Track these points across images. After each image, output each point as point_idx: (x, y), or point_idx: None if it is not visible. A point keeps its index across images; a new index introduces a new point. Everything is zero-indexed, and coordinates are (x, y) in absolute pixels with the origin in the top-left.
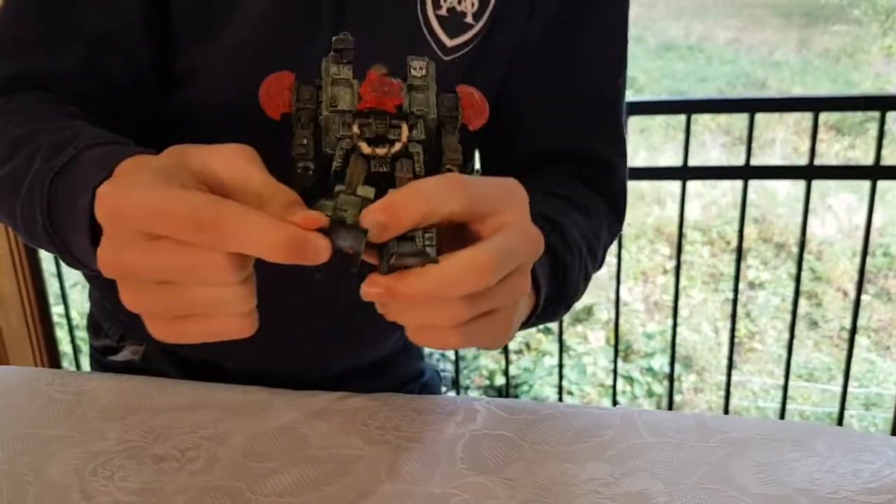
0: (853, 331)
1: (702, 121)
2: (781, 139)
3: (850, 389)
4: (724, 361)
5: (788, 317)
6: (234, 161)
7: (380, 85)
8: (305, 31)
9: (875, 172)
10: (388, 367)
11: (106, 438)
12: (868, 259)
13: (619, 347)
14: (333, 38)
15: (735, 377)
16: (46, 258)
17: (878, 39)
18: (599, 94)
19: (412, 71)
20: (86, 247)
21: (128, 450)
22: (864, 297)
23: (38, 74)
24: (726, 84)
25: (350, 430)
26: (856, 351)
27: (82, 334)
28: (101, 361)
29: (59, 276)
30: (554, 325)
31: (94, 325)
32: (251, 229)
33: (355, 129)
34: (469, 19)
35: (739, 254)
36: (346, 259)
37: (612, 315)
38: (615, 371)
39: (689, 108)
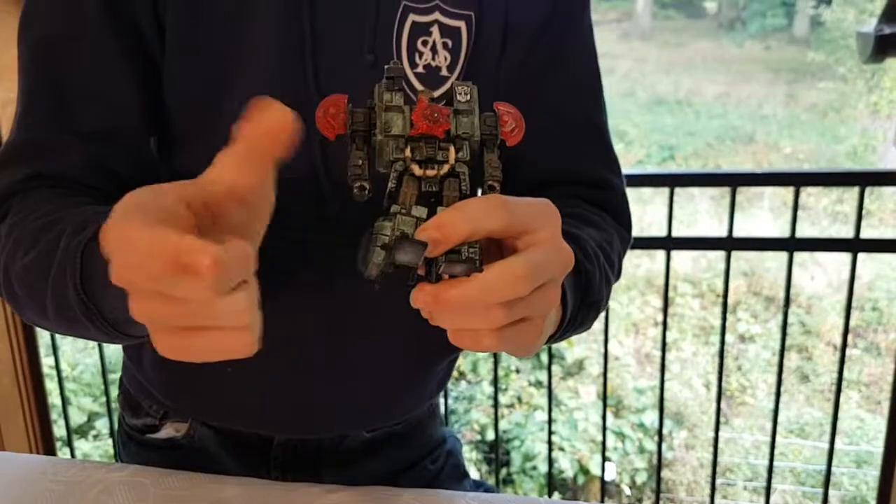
0: (838, 391)
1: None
2: (770, 193)
3: (840, 447)
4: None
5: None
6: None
7: (430, 112)
8: (294, 101)
9: (855, 245)
10: (417, 432)
11: None
12: (857, 313)
13: (610, 403)
14: (386, 66)
15: (726, 433)
16: (44, 331)
17: (863, 96)
18: (587, 122)
19: (458, 96)
20: (121, 304)
21: None
22: (854, 352)
23: (49, 175)
24: (714, 138)
25: None
26: (846, 407)
27: (72, 386)
28: (139, 440)
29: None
30: (545, 379)
31: (131, 404)
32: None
33: (407, 152)
34: (444, 72)
35: (724, 319)
36: (404, 272)
37: (602, 368)
38: (604, 428)
39: (673, 181)
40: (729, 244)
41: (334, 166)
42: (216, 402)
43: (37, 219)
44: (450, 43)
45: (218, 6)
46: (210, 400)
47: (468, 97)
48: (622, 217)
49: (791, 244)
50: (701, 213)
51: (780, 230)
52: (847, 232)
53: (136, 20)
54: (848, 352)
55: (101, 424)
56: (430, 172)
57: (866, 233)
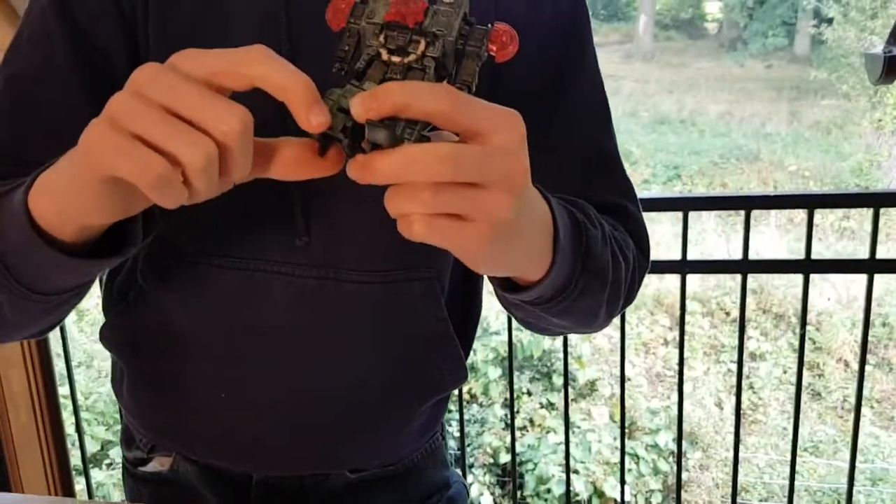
0: (858, 409)
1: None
2: (778, 210)
3: (856, 464)
4: (729, 437)
5: (791, 388)
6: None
7: (405, 2)
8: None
9: (870, 267)
10: (412, 474)
11: None
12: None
13: (623, 423)
14: None
15: (740, 453)
16: (56, 349)
17: (867, 113)
18: (598, 152)
19: None
20: (24, 232)
21: None
22: (865, 368)
23: None
24: (719, 156)
25: None
26: (859, 423)
27: (85, 415)
28: (132, 472)
29: (66, 355)
30: (559, 401)
31: (126, 438)
32: (276, 67)
33: (381, 38)
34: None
35: (741, 343)
36: (332, 141)
37: (616, 390)
38: (622, 451)
39: (687, 205)
40: (744, 267)
41: (312, 203)
42: (192, 437)
43: None
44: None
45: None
46: (186, 434)
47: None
48: (640, 242)
49: (806, 266)
50: (708, 230)
51: (787, 247)
52: (854, 247)
53: (109, 63)
54: (858, 366)
55: (115, 453)
56: (396, 59)
57: (878, 250)
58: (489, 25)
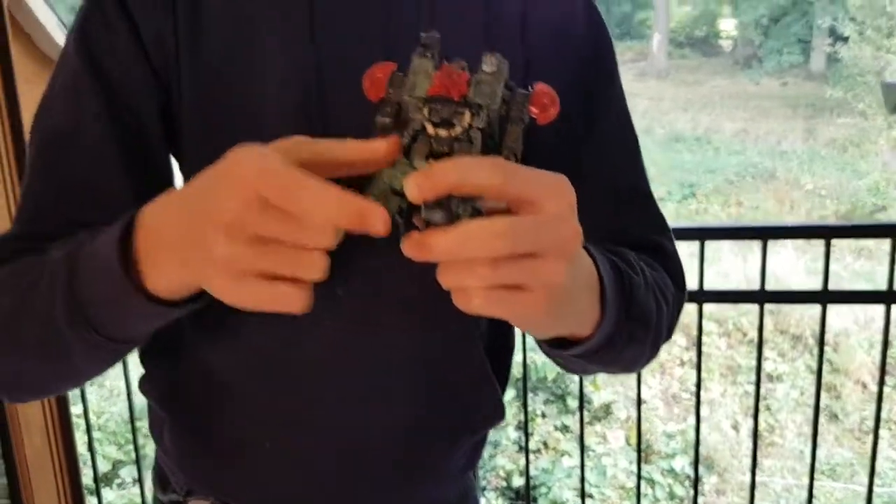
0: (876, 433)
1: (712, 211)
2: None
3: (873, 488)
4: (746, 460)
5: (808, 410)
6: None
7: (448, 75)
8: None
9: (888, 297)
10: None
11: None
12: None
13: (640, 448)
14: (422, 34)
15: (757, 477)
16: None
17: (883, 131)
18: (629, 187)
19: (483, 66)
20: (113, 290)
21: None
22: (883, 391)
23: (33, 236)
24: (735, 174)
25: None
26: (878, 447)
27: (97, 434)
28: None
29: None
30: (574, 423)
31: (160, 479)
32: (328, 197)
33: (425, 112)
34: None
35: (758, 376)
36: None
37: (631, 413)
38: (639, 475)
39: (704, 235)
40: (761, 297)
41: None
42: (234, 484)
43: (14, 269)
44: None
45: (228, 95)
46: (229, 482)
47: (494, 68)
48: (676, 278)
49: (824, 297)
50: (724, 250)
51: (805, 267)
52: (872, 267)
53: (140, 119)
54: (877, 389)
55: (126, 473)
56: (442, 133)
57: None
58: (529, 89)
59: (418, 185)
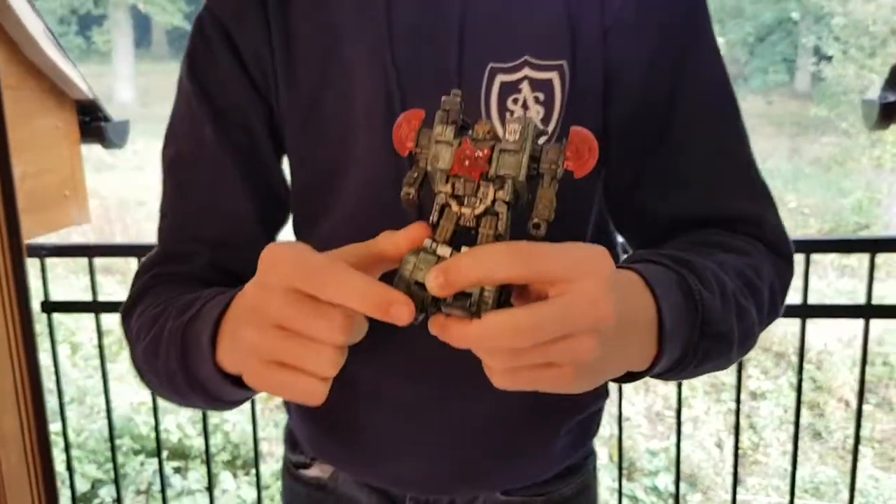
0: (856, 451)
1: None
2: None
3: None
4: (729, 478)
5: (792, 428)
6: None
7: (466, 157)
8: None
9: (867, 312)
10: None
11: None
12: (868, 368)
13: (622, 465)
14: (443, 98)
15: (740, 495)
16: (48, 384)
17: (866, 150)
18: (722, 154)
19: (506, 135)
20: (213, 375)
21: None
22: (866, 408)
23: (177, 274)
24: None
25: None
26: (860, 465)
27: (76, 452)
28: (293, 474)
29: (59, 392)
30: None
31: (290, 439)
32: (353, 285)
33: (448, 188)
34: (539, 126)
35: (738, 392)
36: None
37: (614, 430)
38: (620, 493)
39: None
40: None
41: None
42: (359, 464)
43: (155, 307)
44: (541, 96)
45: (326, 126)
46: (341, 454)
47: (516, 135)
48: (779, 249)
49: (804, 311)
50: None
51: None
52: (854, 285)
53: (252, 136)
54: (856, 406)
55: (105, 492)
56: (466, 210)
57: (876, 287)
58: (564, 141)
59: (438, 284)
